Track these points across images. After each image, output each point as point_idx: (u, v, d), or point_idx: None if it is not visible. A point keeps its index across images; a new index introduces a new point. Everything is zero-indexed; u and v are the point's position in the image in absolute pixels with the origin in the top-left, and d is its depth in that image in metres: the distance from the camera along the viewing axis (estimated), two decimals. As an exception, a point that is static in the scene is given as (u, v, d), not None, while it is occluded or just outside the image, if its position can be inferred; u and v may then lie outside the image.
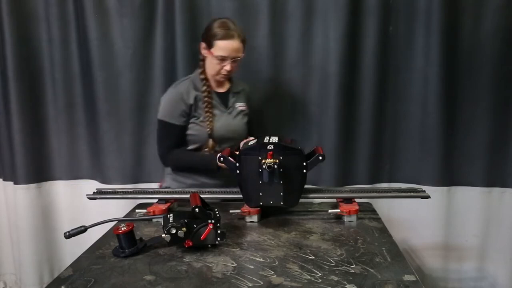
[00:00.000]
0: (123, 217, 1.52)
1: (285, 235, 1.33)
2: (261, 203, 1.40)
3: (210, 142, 1.68)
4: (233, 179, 1.44)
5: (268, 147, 1.35)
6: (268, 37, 1.98)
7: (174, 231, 1.15)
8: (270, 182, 1.34)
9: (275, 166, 1.31)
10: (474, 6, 1.88)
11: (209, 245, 1.22)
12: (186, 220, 1.17)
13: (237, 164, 1.40)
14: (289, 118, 2.05)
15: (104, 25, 2.01)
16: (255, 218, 1.44)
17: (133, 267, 1.12)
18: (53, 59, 2.10)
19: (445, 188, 2.01)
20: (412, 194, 1.51)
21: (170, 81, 1.88)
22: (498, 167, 1.99)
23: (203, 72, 1.70)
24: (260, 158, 1.35)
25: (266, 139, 1.40)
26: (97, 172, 2.18)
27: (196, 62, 1.75)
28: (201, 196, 1.31)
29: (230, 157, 1.45)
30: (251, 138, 1.54)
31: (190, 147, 1.70)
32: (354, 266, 1.10)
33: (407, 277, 1.03)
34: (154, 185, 2.05)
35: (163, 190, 1.59)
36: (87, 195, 1.56)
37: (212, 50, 1.62)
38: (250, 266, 1.11)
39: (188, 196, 1.37)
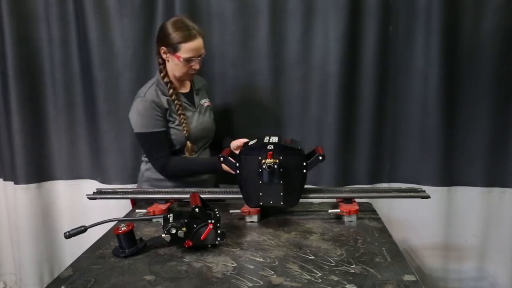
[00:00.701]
0: (123, 217, 1.52)
1: (285, 235, 1.33)
2: (261, 203, 1.40)
3: (189, 144, 1.67)
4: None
5: (268, 147, 1.35)
6: (268, 37, 1.98)
7: (174, 231, 1.16)
8: (270, 182, 1.34)
9: (275, 166, 1.31)
10: (474, 6, 1.88)
11: (209, 245, 1.22)
12: (186, 220, 1.17)
13: (237, 164, 1.40)
14: (289, 118, 2.05)
15: (104, 25, 2.01)
16: (255, 218, 1.44)
17: (133, 267, 1.13)
18: (53, 59, 2.10)
19: (445, 188, 2.01)
20: (412, 194, 1.51)
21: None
22: (498, 167, 1.99)
23: (166, 75, 1.67)
24: (260, 158, 1.35)
25: (266, 139, 1.41)
26: (97, 172, 2.18)
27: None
28: (201, 196, 1.31)
29: (230, 157, 1.45)
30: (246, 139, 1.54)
31: None
32: (354, 266, 1.10)
33: (407, 277, 1.03)
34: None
35: (163, 190, 1.58)
36: (87, 195, 1.56)
37: (179, 53, 1.59)
38: (250, 266, 1.11)
39: (188, 196, 1.37)
